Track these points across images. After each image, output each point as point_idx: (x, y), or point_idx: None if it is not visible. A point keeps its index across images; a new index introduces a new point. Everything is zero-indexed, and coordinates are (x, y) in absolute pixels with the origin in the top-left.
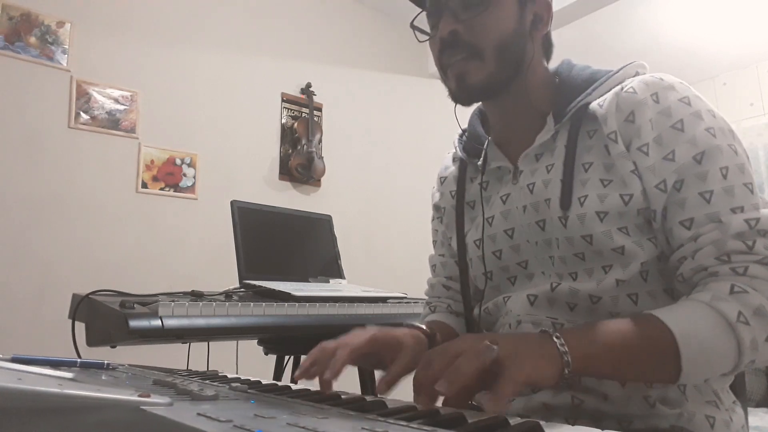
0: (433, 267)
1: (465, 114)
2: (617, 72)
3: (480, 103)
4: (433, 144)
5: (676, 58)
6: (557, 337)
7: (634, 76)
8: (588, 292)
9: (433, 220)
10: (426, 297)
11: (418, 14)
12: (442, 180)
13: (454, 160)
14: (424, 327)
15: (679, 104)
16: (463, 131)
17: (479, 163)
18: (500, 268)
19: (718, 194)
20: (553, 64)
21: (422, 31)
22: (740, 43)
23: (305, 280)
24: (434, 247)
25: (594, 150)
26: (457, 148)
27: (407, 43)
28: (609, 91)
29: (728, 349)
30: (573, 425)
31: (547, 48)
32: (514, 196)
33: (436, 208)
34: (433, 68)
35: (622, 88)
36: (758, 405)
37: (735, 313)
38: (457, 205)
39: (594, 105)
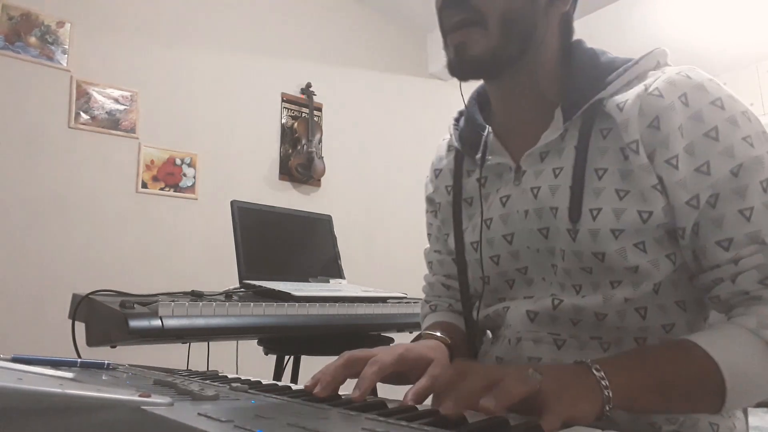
0: (430, 264)
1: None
2: (636, 63)
3: (481, 83)
4: (433, 144)
5: (676, 59)
6: (597, 370)
7: (655, 68)
8: (594, 309)
9: (427, 212)
10: (424, 295)
11: None
12: (437, 173)
13: (449, 149)
14: (445, 337)
15: (711, 108)
16: (460, 115)
17: (477, 156)
18: (498, 273)
19: (758, 211)
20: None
21: None
22: (740, 43)
23: (305, 280)
24: (429, 240)
25: (609, 153)
26: (453, 136)
27: (407, 43)
28: (627, 84)
29: None
30: None
31: (565, 31)
32: (515, 198)
33: (430, 201)
34: (434, 68)
35: (645, 89)
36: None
37: None
38: (454, 202)
39: (612, 105)
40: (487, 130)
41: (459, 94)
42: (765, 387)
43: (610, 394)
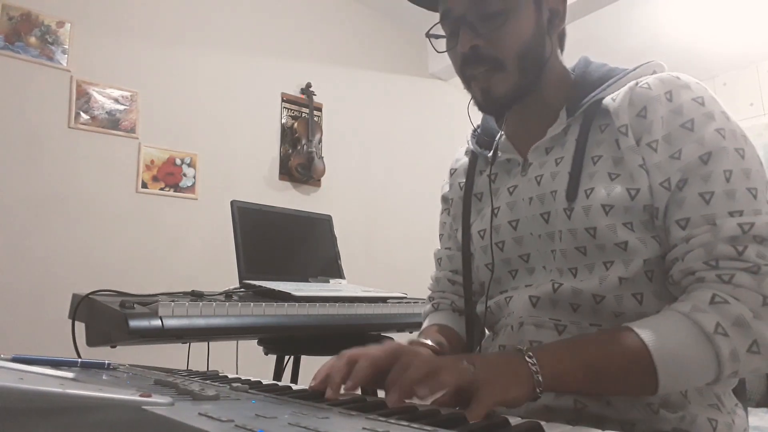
0: (439, 260)
1: (476, 113)
2: (634, 70)
3: None
4: (432, 143)
5: (676, 58)
6: (529, 357)
7: (651, 75)
8: (591, 291)
9: (441, 213)
10: (429, 291)
11: (434, 24)
12: (453, 172)
13: (466, 153)
14: (434, 345)
15: (692, 103)
16: (477, 127)
17: (489, 155)
18: (502, 261)
19: (718, 196)
20: (569, 62)
21: (439, 37)
22: (740, 43)
23: (305, 280)
24: (440, 240)
25: (605, 144)
26: (470, 142)
27: (407, 43)
28: (623, 87)
29: (706, 360)
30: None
31: (562, 40)
32: (521, 187)
33: (444, 199)
34: (434, 68)
35: (636, 83)
36: (758, 405)
37: (713, 324)
38: (465, 197)
39: (607, 99)
40: (499, 133)
41: (459, 93)
42: (700, 369)
43: (540, 378)
